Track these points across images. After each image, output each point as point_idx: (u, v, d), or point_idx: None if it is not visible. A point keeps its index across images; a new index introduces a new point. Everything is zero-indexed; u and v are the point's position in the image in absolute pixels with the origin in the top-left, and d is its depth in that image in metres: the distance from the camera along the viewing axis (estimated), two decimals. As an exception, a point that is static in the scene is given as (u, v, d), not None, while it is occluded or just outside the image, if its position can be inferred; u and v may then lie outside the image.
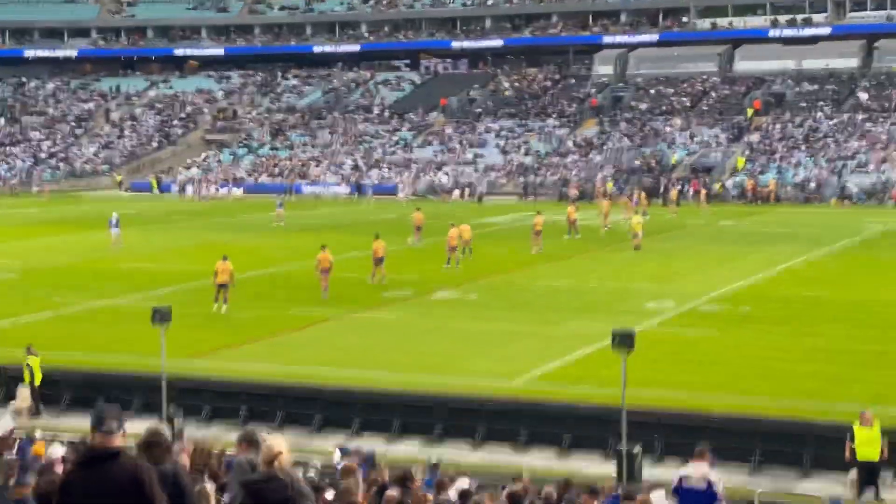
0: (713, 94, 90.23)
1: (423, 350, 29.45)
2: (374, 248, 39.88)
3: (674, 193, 69.97)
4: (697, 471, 14.28)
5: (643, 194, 67.41)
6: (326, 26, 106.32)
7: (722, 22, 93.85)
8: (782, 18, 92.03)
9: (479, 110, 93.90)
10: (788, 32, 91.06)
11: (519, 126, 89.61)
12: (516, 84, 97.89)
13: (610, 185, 74.64)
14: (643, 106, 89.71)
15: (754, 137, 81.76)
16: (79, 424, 21.28)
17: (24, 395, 25.49)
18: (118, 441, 6.79)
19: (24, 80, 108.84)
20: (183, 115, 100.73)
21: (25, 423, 23.91)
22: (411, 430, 23.55)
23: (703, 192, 70.93)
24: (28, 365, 25.36)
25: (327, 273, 36.81)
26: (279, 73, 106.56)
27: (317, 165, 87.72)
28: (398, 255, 47.88)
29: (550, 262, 45.29)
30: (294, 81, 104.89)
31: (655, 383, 24.80)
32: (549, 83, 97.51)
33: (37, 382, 25.40)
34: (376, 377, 26.09)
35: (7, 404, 25.70)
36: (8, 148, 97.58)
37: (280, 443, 7.44)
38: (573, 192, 73.02)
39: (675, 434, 21.59)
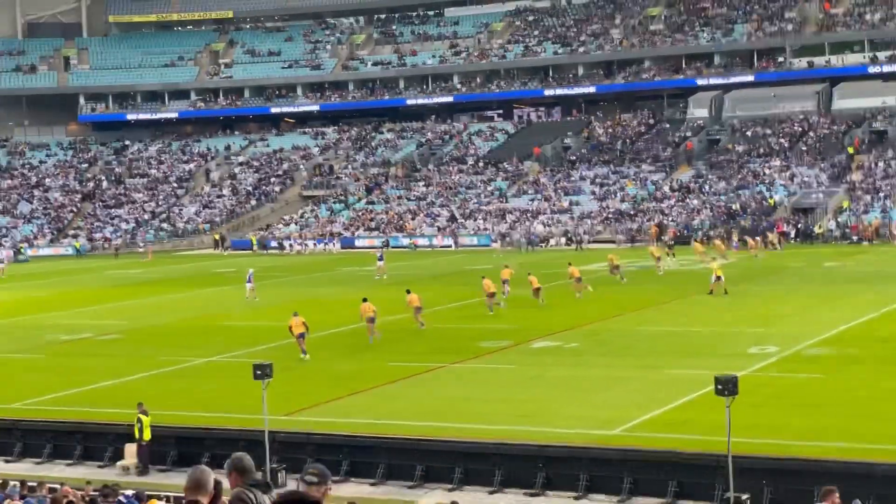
0: (812, 133, 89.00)
1: (523, 399, 29.26)
2: (408, 300, 41.76)
3: (772, 236, 69.35)
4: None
5: (724, 238, 66.65)
6: (419, 79, 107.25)
7: (819, 60, 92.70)
8: (882, 55, 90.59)
9: (574, 157, 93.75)
10: (888, 69, 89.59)
11: (614, 172, 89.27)
12: (610, 130, 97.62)
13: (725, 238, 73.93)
14: (740, 148, 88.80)
15: (856, 176, 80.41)
16: (181, 482, 21.48)
17: (131, 452, 25.82)
18: (317, 494, 7.08)
19: (127, 142, 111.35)
20: (280, 172, 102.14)
21: (134, 480, 24.24)
22: (513, 482, 23.35)
23: (772, 235, 70.29)
24: (139, 422, 25.65)
25: (373, 322, 38.59)
26: (373, 128, 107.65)
27: (413, 218, 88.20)
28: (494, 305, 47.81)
29: (650, 308, 44.86)
30: (388, 135, 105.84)
31: (761, 428, 24.33)
32: (643, 128, 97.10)
33: (145, 439, 25.67)
34: (477, 428, 25.96)
35: (114, 463, 26.07)
36: (113, 210, 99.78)
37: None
38: (652, 233, 72.78)
39: (784, 481, 21.12)
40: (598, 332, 39.59)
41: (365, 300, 39.47)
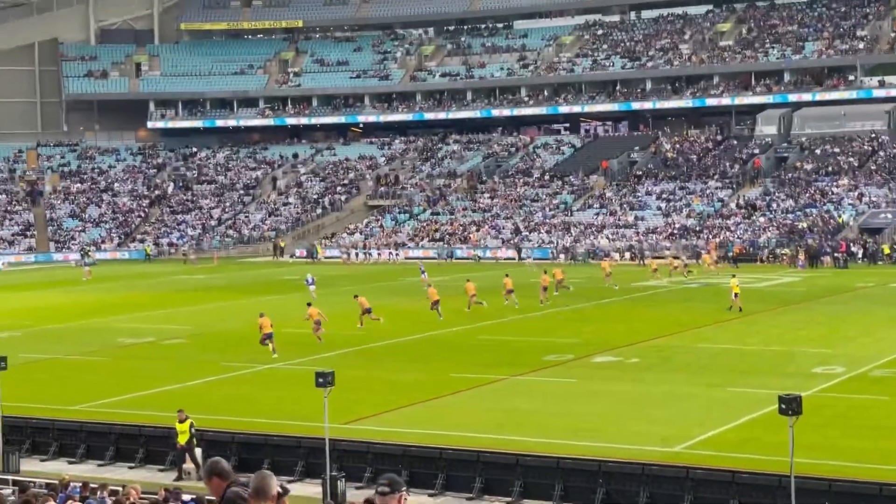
0: (881, 153, 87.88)
1: (583, 413, 29.16)
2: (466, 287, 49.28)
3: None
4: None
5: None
6: (486, 91, 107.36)
7: (890, 79, 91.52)
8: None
9: (640, 172, 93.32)
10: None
11: (680, 188, 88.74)
12: (677, 146, 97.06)
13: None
14: (808, 166, 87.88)
15: (926, 196, 79.33)
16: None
17: (198, 454, 26.01)
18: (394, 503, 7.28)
19: (195, 149, 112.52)
20: (346, 182, 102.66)
21: (194, 484, 24.42)
22: (572, 497, 23.25)
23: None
24: (192, 427, 25.78)
25: (319, 325, 41.39)
26: (440, 139, 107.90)
27: (477, 229, 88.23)
28: (557, 318, 47.75)
29: (712, 325, 44.52)
30: (454, 146, 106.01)
31: (824, 449, 24.04)
32: (710, 144, 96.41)
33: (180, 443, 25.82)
34: (537, 442, 25.89)
35: (177, 467, 26.26)
36: (180, 216, 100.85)
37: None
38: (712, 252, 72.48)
39: (846, 503, 20.82)
40: (659, 348, 39.34)
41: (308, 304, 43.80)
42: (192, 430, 25.75)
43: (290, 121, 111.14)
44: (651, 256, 73.48)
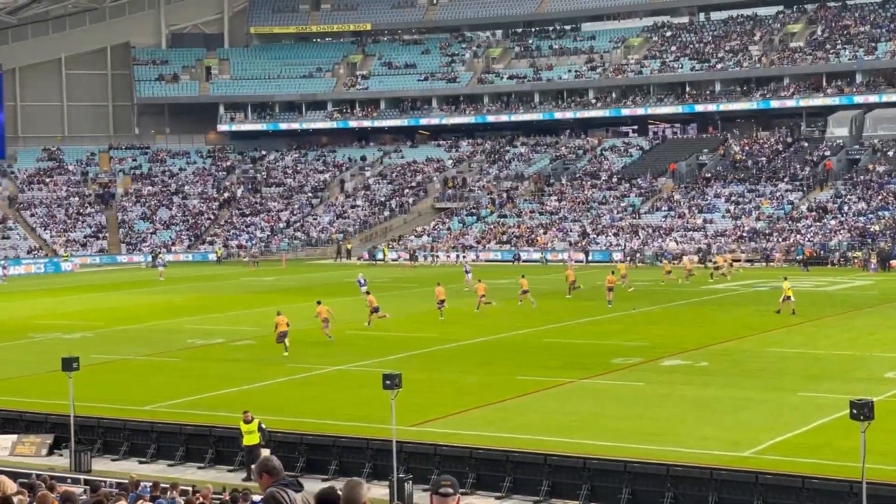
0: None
1: (651, 417, 28.96)
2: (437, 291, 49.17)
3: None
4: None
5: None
6: (554, 94, 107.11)
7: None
8: None
9: (709, 175, 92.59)
10: None
11: (749, 191, 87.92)
12: (747, 148, 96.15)
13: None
14: (880, 168, 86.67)
15: None
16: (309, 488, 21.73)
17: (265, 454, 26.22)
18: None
19: (264, 152, 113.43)
20: (413, 184, 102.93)
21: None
22: (639, 501, 23.13)
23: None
24: (262, 429, 25.95)
25: (327, 323, 42.78)
26: (507, 141, 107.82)
27: (544, 232, 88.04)
28: (625, 320, 47.52)
29: (781, 329, 44.04)
30: (521, 149, 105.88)
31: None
32: (780, 146, 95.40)
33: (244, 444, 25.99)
34: (604, 445, 25.77)
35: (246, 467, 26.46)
36: (248, 218, 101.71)
37: None
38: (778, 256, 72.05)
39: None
40: (728, 351, 39.00)
41: (319, 302, 44.58)
42: (263, 432, 25.91)
43: (358, 123, 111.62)
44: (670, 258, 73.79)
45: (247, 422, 25.86)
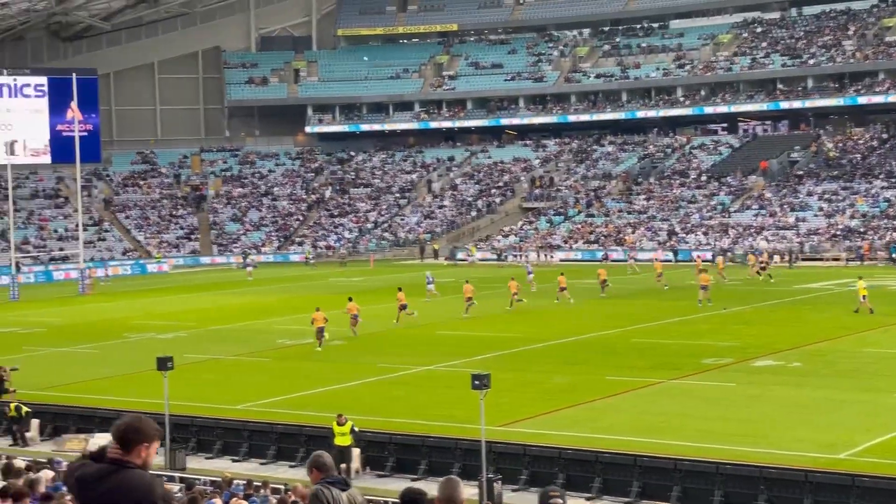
0: None
1: (743, 418, 28.62)
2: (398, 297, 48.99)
3: None
4: None
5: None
6: (641, 92, 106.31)
7: None
8: None
9: (801, 173, 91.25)
10: None
11: (843, 188, 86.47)
12: (840, 145, 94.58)
13: None
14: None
15: None
16: (398, 488, 21.77)
17: (355, 456, 26.37)
18: None
19: (351, 153, 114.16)
20: (501, 184, 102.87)
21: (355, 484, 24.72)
22: (733, 503, 22.84)
23: None
24: (353, 431, 26.09)
25: (356, 320, 44.73)
26: (594, 140, 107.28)
27: (632, 231, 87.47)
28: (715, 320, 47.03)
29: (877, 329, 43.26)
30: (609, 148, 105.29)
31: None
32: (875, 143, 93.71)
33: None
34: (695, 446, 25.51)
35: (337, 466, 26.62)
36: (336, 219, 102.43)
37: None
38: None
39: None
40: (822, 352, 38.40)
41: (350, 298, 46.25)
42: (355, 433, 26.06)
43: (445, 124, 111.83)
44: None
45: (340, 424, 26.02)
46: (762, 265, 66.04)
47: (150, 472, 5.72)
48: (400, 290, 50.06)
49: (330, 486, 7.31)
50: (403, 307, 48.45)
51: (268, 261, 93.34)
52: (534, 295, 57.60)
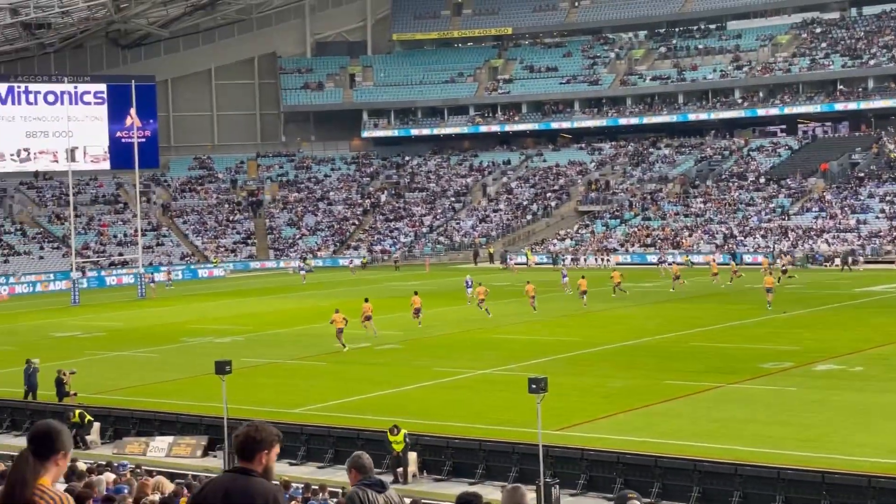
0: None
1: (805, 423, 28.27)
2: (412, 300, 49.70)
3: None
4: None
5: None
6: (698, 94, 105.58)
7: None
8: None
9: (862, 174, 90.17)
10: None
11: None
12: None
13: None
14: None
15: None
16: (454, 491, 21.70)
17: (412, 460, 26.34)
18: None
19: (407, 157, 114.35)
20: (556, 188, 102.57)
21: (411, 488, 24.74)
22: (794, 508, 22.55)
23: None
24: (406, 441, 26.02)
25: (369, 321, 46.08)
26: (651, 143, 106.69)
27: (689, 235, 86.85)
28: (774, 324, 46.55)
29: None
30: (665, 151, 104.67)
31: None
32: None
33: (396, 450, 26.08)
34: (756, 451, 25.21)
35: (394, 470, 26.64)
36: (392, 223, 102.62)
37: None
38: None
39: None
40: (885, 356, 37.87)
41: (366, 299, 47.51)
42: (406, 440, 26.02)
43: (499, 128, 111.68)
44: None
45: (393, 434, 25.95)
46: (783, 268, 66.32)
47: (273, 480, 5.77)
48: (416, 293, 50.83)
49: (367, 488, 7.27)
50: (417, 311, 49.21)
51: (321, 265, 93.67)
52: (590, 298, 57.31)
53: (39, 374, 34.92)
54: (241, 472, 5.67)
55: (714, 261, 69.85)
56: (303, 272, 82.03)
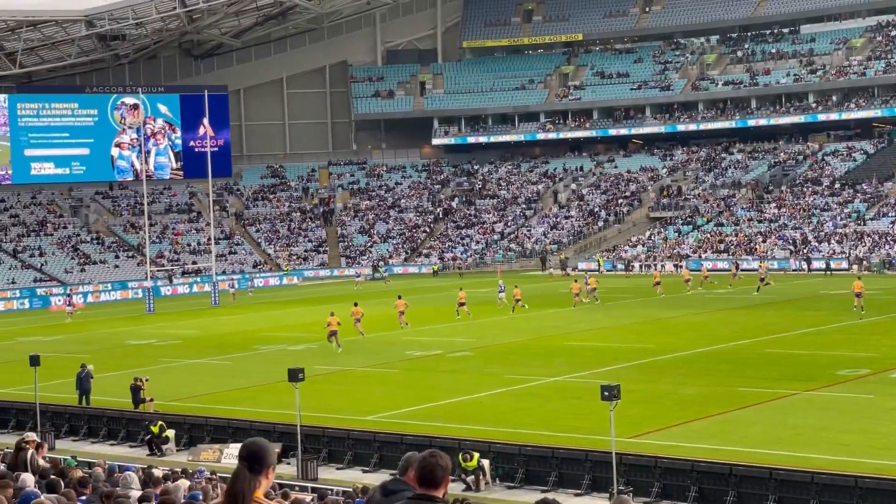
0: None
1: (882, 432, 27.85)
2: (396, 304, 52.45)
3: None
4: None
5: None
6: (771, 98, 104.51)
7: None
8: None
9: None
10: None
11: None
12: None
13: None
14: None
15: None
16: (529, 500, 21.66)
17: (486, 466, 26.34)
18: None
19: (477, 165, 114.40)
20: (627, 194, 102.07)
21: (476, 495, 24.73)
22: (872, 517, 22.23)
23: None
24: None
25: (358, 322, 48.80)
26: (723, 148, 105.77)
27: (763, 240, 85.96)
28: (851, 331, 45.94)
29: None
30: (738, 156, 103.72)
31: None
32: None
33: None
34: (833, 459, 24.89)
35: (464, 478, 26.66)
36: (463, 230, 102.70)
37: None
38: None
39: None
40: (965, 363, 37.20)
41: (355, 304, 50.56)
42: (480, 463, 25.93)
43: (570, 134, 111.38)
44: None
45: (466, 461, 25.80)
46: (760, 276, 66.10)
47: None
48: (399, 297, 53.79)
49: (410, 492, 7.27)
50: (401, 314, 51.91)
51: (392, 272, 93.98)
52: (660, 303, 56.99)
53: (115, 381, 35.40)
54: (427, 499, 5.94)
55: (685, 267, 71.47)
56: (359, 279, 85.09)
